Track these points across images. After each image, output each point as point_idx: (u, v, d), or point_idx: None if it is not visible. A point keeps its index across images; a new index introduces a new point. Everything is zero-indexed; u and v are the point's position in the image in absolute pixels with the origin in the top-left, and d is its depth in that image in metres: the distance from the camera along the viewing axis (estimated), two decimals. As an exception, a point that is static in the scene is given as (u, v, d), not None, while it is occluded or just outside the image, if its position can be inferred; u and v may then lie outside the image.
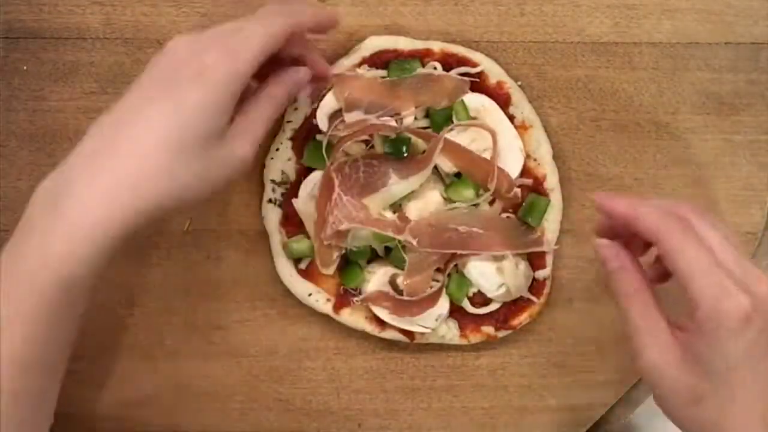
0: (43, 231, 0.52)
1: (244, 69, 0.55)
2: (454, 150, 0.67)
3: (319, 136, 0.68)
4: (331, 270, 0.69)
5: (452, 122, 0.68)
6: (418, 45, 0.69)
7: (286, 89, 0.60)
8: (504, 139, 0.68)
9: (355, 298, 0.70)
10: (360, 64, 0.68)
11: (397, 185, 0.67)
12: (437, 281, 0.69)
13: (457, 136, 0.68)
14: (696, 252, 0.53)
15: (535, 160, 0.69)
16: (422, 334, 0.70)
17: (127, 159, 0.53)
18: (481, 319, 0.71)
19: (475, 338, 0.71)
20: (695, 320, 0.53)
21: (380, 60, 0.68)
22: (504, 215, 0.69)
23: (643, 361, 0.55)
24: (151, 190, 0.53)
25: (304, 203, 0.69)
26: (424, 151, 0.68)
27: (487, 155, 0.68)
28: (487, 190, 0.68)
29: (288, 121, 0.69)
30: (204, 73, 0.54)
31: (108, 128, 0.54)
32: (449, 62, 0.69)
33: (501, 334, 0.71)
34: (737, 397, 0.53)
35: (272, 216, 0.70)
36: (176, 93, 0.53)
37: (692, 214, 0.55)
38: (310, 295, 0.70)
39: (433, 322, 0.69)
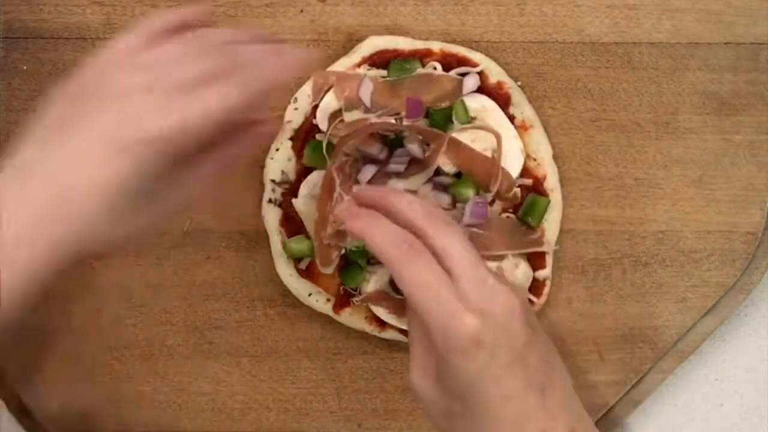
0: None
1: (186, 142, 0.49)
2: (456, 149, 0.67)
3: (319, 136, 0.68)
4: (330, 270, 0.69)
5: (452, 122, 0.68)
6: (418, 45, 0.69)
7: (239, 151, 0.55)
8: (504, 139, 0.68)
9: (355, 298, 0.70)
10: (360, 64, 0.68)
11: (397, 185, 0.68)
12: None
13: (458, 135, 0.68)
14: (417, 271, 0.52)
15: (535, 160, 0.69)
16: (422, 334, 0.70)
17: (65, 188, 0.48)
18: (481, 319, 0.71)
19: (475, 338, 0.71)
20: (432, 343, 0.52)
21: (380, 60, 0.68)
22: (504, 215, 0.69)
23: (408, 379, 0.55)
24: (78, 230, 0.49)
25: (304, 203, 0.69)
26: (425, 151, 0.68)
27: (488, 155, 0.68)
28: (487, 190, 0.68)
29: (288, 121, 0.69)
30: (141, 138, 0.48)
31: (42, 144, 0.50)
32: (449, 62, 0.69)
33: (501, 334, 0.71)
34: (482, 414, 0.52)
35: (272, 216, 0.70)
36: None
37: (429, 223, 0.53)
38: (310, 295, 0.70)
39: (433, 322, 0.69)
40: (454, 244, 0.53)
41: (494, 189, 0.67)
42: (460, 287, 0.51)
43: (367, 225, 0.54)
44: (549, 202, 0.69)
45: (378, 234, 0.53)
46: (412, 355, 0.55)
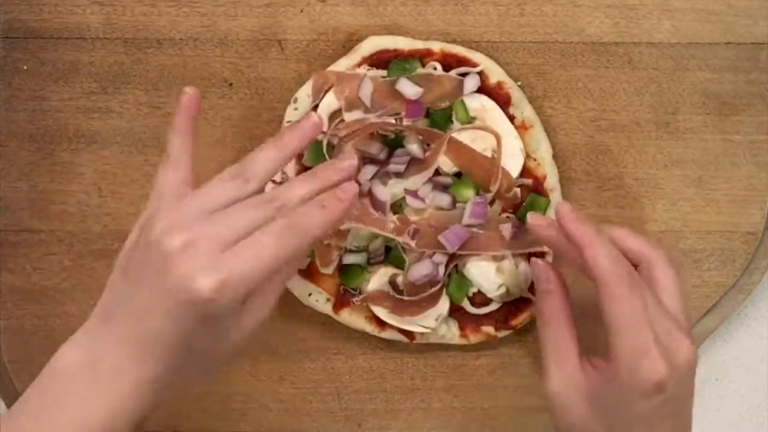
0: (82, 400, 0.52)
1: (237, 294, 0.52)
2: (456, 149, 0.67)
3: (319, 136, 0.68)
4: (330, 269, 0.69)
5: (452, 122, 0.68)
6: (418, 45, 0.69)
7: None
8: (504, 139, 0.68)
9: (355, 298, 0.70)
10: (360, 64, 0.68)
11: (397, 185, 0.68)
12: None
13: (458, 135, 0.68)
14: (631, 304, 0.53)
15: (535, 160, 0.69)
16: (422, 334, 0.70)
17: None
18: (481, 319, 0.71)
19: (475, 338, 0.71)
20: (610, 368, 0.54)
21: (380, 60, 0.68)
22: (504, 215, 0.69)
23: (547, 388, 0.57)
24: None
25: (304, 203, 0.69)
26: (425, 151, 0.68)
27: (487, 155, 0.68)
28: (487, 190, 0.68)
29: (288, 121, 0.69)
30: (207, 305, 0.51)
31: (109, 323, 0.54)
32: (449, 62, 0.69)
33: (501, 334, 0.71)
34: None
35: (272, 216, 0.70)
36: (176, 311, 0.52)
37: (657, 258, 0.56)
38: (310, 295, 0.70)
39: (433, 322, 0.69)
40: (673, 285, 0.56)
41: (494, 189, 0.67)
42: (657, 327, 0.54)
43: (594, 235, 0.56)
44: (549, 202, 0.69)
45: (601, 248, 0.55)
46: (551, 368, 0.57)
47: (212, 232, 0.51)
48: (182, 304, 0.50)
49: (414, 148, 0.67)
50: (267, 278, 0.52)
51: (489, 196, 0.68)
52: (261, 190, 0.55)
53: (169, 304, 0.51)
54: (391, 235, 0.67)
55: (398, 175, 0.68)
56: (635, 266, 0.58)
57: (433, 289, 0.68)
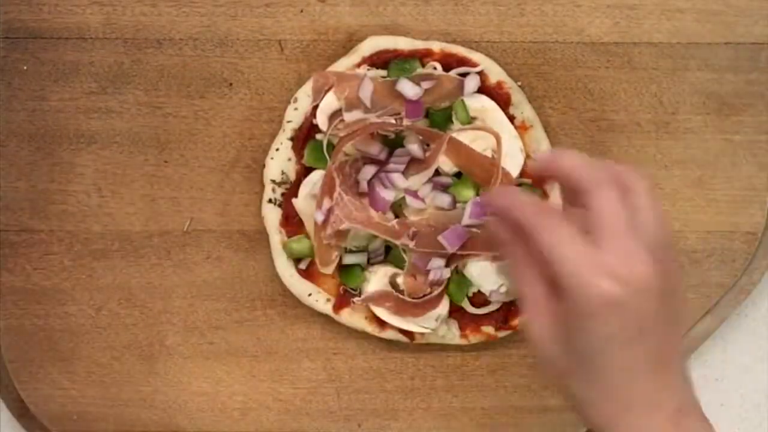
0: None
1: None
2: (456, 149, 0.67)
3: (319, 136, 0.68)
4: (330, 269, 0.69)
5: (452, 122, 0.68)
6: (418, 45, 0.69)
7: None
8: (504, 139, 0.68)
9: (356, 299, 0.70)
10: (360, 64, 0.68)
11: (399, 183, 0.68)
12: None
13: (458, 135, 0.68)
14: (566, 232, 0.51)
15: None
16: (422, 334, 0.70)
17: None
18: (481, 319, 0.71)
19: (475, 338, 0.71)
20: (563, 298, 0.52)
21: (380, 60, 0.68)
22: (504, 215, 0.69)
23: (528, 334, 0.55)
24: None
25: (304, 203, 0.69)
26: (425, 151, 0.68)
27: (488, 155, 0.68)
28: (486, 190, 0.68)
29: (288, 121, 0.69)
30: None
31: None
32: (449, 62, 0.69)
33: (501, 334, 0.71)
34: (600, 379, 0.52)
35: (272, 216, 0.70)
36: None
37: (589, 180, 0.53)
38: (310, 295, 0.70)
39: (433, 322, 0.69)
40: (606, 206, 0.52)
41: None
42: (602, 249, 0.51)
43: (510, 195, 0.55)
44: (541, 193, 0.69)
45: (518, 199, 0.54)
46: (530, 309, 0.54)
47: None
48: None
49: (414, 148, 0.67)
50: None
51: (489, 196, 0.68)
52: None
53: None
54: (390, 238, 0.67)
55: (398, 175, 0.68)
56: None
57: (436, 291, 0.68)
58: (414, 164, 0.68)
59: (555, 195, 0.70)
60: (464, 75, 0.68)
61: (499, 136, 0.68)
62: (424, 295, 0.69)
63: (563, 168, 0.54)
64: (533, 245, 0.52)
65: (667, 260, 0.53)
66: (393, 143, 0.68)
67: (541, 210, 0.53)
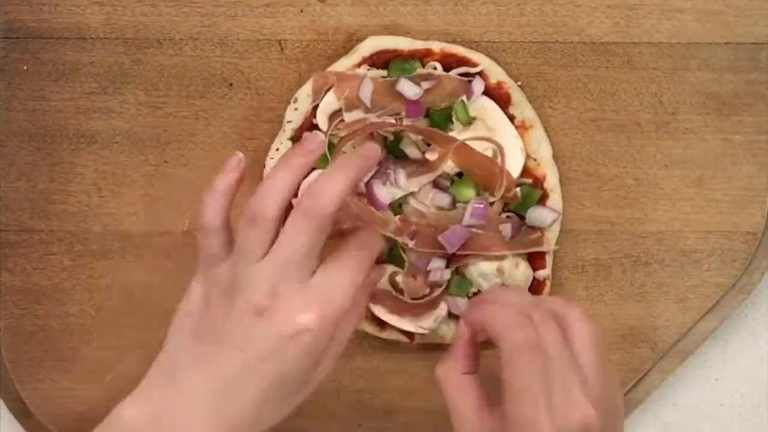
0: None
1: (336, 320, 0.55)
2: (457, 149, 0.67)
3: (319, 136, 0.68)
4: (331, 270, 0.69)
5: (452, 122, 0.68)
6: (418, 45, 0.69)
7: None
8: (504, 139, 0.68)
9: (355, 298, 0.70)
10: (360, 64, 0.68)
11: (400, 182, 0.68)
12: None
13: (458, 136, 0.68)
14: (530, 371, 0.53)
15: (535, 160, 0.69)
16: (422, 334, 0.70)
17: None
18: (481, 319, 0.71)
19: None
20: (504, 426, 0.54)
21: (380, 60, 0.68)
22: (504, 215, 0.69)
23: (457, 409, 0.58)
24: None
25: (304, 203, 0.69)
26: (424, 152, 0.68)
27: (488, 155, 0.68)
28: (488, 190, 0.68)
29: (288, 121, 0.69)
30: (301, 335, 0.54)
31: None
32: (449, 62, 0.69)
33: (501, 334, 0.71)
34: None
35: (272, 216, 0.70)
36: (276, 354, 0.54)
37: (573, 316, 0.55)
38: (310, 295, 0.70)
39: (432, 323, 0.69)
40: (589, 338, 0.55)
41: (498, 195, 0.67)
42: (552, 389, 0.53)
43: (489, 311, 0.57)
44: (540, 193, 0.69)
45: (499, 316, 0.56)
46: (458, 403, 0.58)
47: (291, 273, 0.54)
48: (287, 341, 0.53)
49: (412, 151, 0.67)
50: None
51: (491, 199, 0.68)
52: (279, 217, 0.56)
53: (273, 344, 0.53)
54: (390, 235, 0.67)
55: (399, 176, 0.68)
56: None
57: (436, 293, 0.68)
58: (413, 166, 0.68)
59: (555, 195, 0.70)
60: (464, 75, 0.68)
61: (502, 147, 0.67)
62: (424, 296, 0.69)
63: (476, 323, 0.57)
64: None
65: (607, 400, 0.54)
66: (393, 143, 0.68)
67: (516, 324, 0.54)
